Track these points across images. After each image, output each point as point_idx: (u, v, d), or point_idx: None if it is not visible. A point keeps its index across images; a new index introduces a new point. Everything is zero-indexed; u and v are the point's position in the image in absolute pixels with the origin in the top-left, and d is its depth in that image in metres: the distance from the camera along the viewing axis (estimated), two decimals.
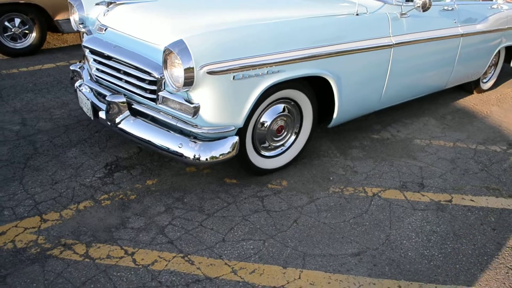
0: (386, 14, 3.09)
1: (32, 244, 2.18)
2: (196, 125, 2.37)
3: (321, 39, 2.65)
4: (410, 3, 3.15)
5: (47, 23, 5.40)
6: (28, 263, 2.06)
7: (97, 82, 2.88)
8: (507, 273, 2.19)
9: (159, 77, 2.35)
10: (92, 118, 2.80)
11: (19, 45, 5.27)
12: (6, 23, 5.13)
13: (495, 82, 5.04)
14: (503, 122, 4.13)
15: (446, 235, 2.43)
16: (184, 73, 2.14)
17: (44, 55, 5.43)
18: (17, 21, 5.20)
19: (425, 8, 3.05)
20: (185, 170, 2.93)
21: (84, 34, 3.16)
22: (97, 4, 2.99)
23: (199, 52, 2.16)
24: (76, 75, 3.20)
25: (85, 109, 2.91)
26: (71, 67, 3.26)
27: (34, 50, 5.39)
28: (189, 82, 2.17)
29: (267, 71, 2.39)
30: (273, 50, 2.40)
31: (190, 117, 2.34)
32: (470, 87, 4.75)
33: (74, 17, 3.34)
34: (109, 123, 2.63)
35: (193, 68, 2.14)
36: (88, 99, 2.79)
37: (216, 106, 2.32)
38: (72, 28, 5.42)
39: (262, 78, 2.39)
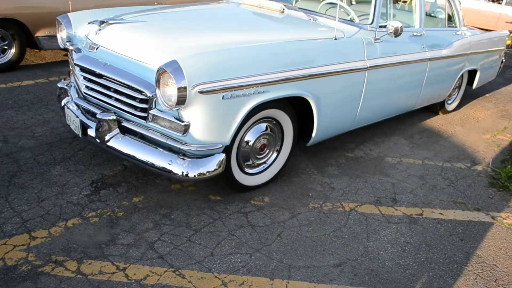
0: (361, 39, 3.32)
1: (22, 261, 2.20)
2: (186, 143, 2.48)
3: (303, 62, 2.83)
4: (384, 29, 3.39)
5: (27, 39, 5.39)
6: (19, 280, 2.08)
7: (85, 99, 2.94)
8: (475, 279, 2.38)
9: (151, 95, 2.45)
10: (80, 135, 2.85)
11: None
12: None
13: (458, 103, 5.38)
14: (467, 141, 4.43)
15: (419, 245, 2.62)
16: (178, 92, 2.26)
17: (23, 72, 5.39)
18: None
19: (397, 34, 3.29)
20: (170, 187, 3.01)
21: (72, 52, 3.21)
22: (90, 23, 3.07)
23: (192, 72, 2.28)
24: (63, 92, 3.24)
25: (72, 127, 2.96)
26: (58, 85, 3.31)
27: (12, 67, 5.34)
28: (181, 100, 2.29)
29: (254, 91, 2.53)
30: (259, 71, 2.56)
31: (180, 134, 2.44)
32: (436, 108, 5.06)
33: (62, 35, 3.41)
34: (98, 141, 2.70)
35: (186, 87, 2.26)
36: (77, 117, 2.85)
37: (205, 124, 2.44)
38: (51, 45, 5.52)
39: (249, 98, 2.53)
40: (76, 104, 3.01)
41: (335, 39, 3.14)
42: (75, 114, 2.89)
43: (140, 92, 2.50)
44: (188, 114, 2.40)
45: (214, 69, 2.39)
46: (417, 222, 2.88)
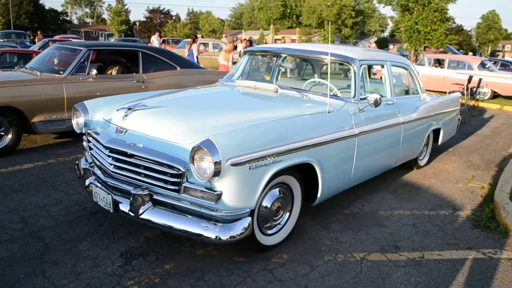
0: (348, 111, 3.86)
1: None
2: (217, 209, 2.80)
3: (307, 133, 3.30)
4: (365, 101, 3.96)
5: (22, 124, 5.62)
6: None
7: (112, 177, 3.22)
8: None
9: (184, 170, 2.80)
10: (111, 211, 3.10)
11: None
12: None
13: (428, 159, 6.01)
14: (444, 191, 4.96)
15: (428, 283, 2.98)
16: (214, 166, 2.62)
17: (19, 156, 5.56)
18: None
19: (377, 104, 3.87)
20: (195, 253, 3.25)
21: (92, 135, 3.51)
22: (118, 109, 3.42)
23: (224, 148, 2.67)
24: (87, 172, 3.51)
25: (102, 203, 3.20)
26: (82, 166, 3.58)
27: (8, 151, 5.52)
28: (217, 172, 2.65)
29: (273, 161, 2.94)
30: (276, 144, 2.98)
31: (213, 203, 2.77)
32: (411, 164, 5.63)
33: (78, 120, 3.75)
34: (132, 214, 2.96)
35: (220, 161, 2.63)
36: (108, 194, 3.11)
37: (235, 192, 2.79)
38: (47, 129, 5.77)
39: (269, 167, 2.93)
40: (102, 182, 3.27)
41: (329, 112, 3.66)
42: (106, 192, 3.15)
43: (173, 167, 2.83)
44: (220, 184, 2.75)
45: (242, 144, 2.79)
46: (421, 263, 3.25)
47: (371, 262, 3.24)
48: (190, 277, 2.93)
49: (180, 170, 2.81)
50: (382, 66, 4.67)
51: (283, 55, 4.69)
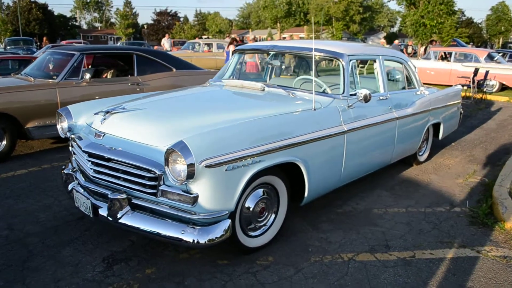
0: (336, 107, 3.75)
1: None
2: (195, 212, 2.73)
3: (290, 132, 3.21)
4: (354, 97, 3.85)
5: (16, 130, 5.62)
6: None
7: (93, 182, 3.18)
8: None
9: (160, 173, 2.73)
10: (91, 216, 3.06)
11: None
12: None
13: (429, 154, 5.86)
14: (443, 187, 4.82)
15: (417, 284, 2.86)
16: (187, 168, 2.55)
17: (14, 162, 5.57)
18: None
19: (366, 100, 3.76)
20: (179, 256, 3.19)
21: (75, 140, 3.47)
22: (95, 113, 3.38)
23: (197, 149, 2.59)
24: (70, 177, 3.47)
25: (82, 208, 3.16)
26: (65, 171, 3.54)
27: (3, 158, 5.53)
28: (190, 175, 2.58)
29: (252, 161, 2.85)
30: (255, 144, 2.89)
31: (189, 205, 2.70)
32: (410, 160, 5.49)
33: (63, 125, 3.71)
34: (110, 219, 2.91)
35: (194, 163, 2.56)
36: (87, 199, 3.07)
37: (212, 194, 2.71)
38: (41, 134, 5.76)
39: (248, 167, 2.84)
40: (83, 187, 3.23)
41: (314, 109, 3.56)
42: (85, 196, 3.11)
43: (149, 171, 2.77)
44: (196, 186, 2.67)
45: (216, 146, 2.71)
46: (411, 263, 3.13)
47: (359, 262, 3.14)
48: (171, 281, 2.86)
49: (156, 173, 2.74)
50: (374, 61, 4.55)
51: (271, 53, 4.60)
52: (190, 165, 2.56)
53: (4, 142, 5.51)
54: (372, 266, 3.09)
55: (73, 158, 3.64)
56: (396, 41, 20.66)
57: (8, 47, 21.00)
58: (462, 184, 4.95)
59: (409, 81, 5.19)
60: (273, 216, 3.35)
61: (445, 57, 14.77)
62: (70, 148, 3.70)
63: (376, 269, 3.05)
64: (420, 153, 5.66)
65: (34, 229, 3.63)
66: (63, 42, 19.87)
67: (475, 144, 6.89)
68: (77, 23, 76.30)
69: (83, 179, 3.29)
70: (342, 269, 3.03)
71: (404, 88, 5.12)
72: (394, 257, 3.22)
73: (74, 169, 3.52)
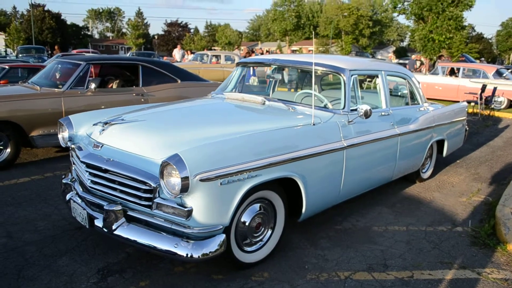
0: (336, 123, 3.73)
1: None
2: (189, 226, 2.71)
3: (288, 147, 3.19)
4: (355, 112, 3.84)
5: (21, 138, 5.67)
6: None
7: (90, 193, 3.18)
8: None
9: (155, 186, 2.73)
10: (87, 226, 3.06)
11: None
12: None
13: (433, 171, 5.79)
14: (445, 206, 4.75)
15: None
16: (181, 182, 2.55)
17: (18, 170, 5.62)
18: None
19: (367, 115, 3.74)
20: (173, 270, 3.16)
21: (75, 150, 3.49)
22: (94, 124, 3.40)
23: (192, 163, 2.59)
24: (68, 187, 3.48)
25: (79, 219, 3.17)
26: (63, 181, 3.56)
27: (7, 165, 5.57)
28: (185, 188, 2.57)
29: (247, 176, 2.84)
30: (251, 158, 2.88)
31: (183, 219, 2.68)
32: (413, 177, 5.43)
33: (64, 135, 3.73)
34: (105, 230, 2.90)
35: (188, 177, 2.55)
36: (83, 209, 3.07)
37: (206, 208, 2.70)
38: (45, 143, 5.81)
39: (243, 182, 2.83)
40: (81, 197, 3.24)
41: (314, 124, 3.54)
42: (82, 207, 3.12)
43: (145, 183, 2.77)
44: (190, 200, 2.66)
45: (212, 159, 2.71)
46: (409, 284, 3.08)
47: (355, 281, 3.09)
48: None
49: (151, 185, 2.74)
50: (377, 76, 4.53)
51: (274, 66, 4.61)
52: (184, 178, 2.55)
53: (8, 150, 5.56)
54: (369, 286, 3.04)
55: (73, 168, 3.66)
56: (414, 56, 20.59)
57: (20, 55, 21.33)
58: (465, 203, 4.88)
59: (412, 96, 5.16)
60: (269, 231, 3.32)
61: (453, 73, 14.71)
62: (70, 158, 3.72)
63: None
64: (424, 170, 5.60)
65: (33, 237, 3.63)
66: (74, 51, 20.15)
67: (480, 162, 6.81)
68: (89, 33, 77.43)
69: (81, 189, 3.29)
70: None
71: (407, 104, 5.09)
72: (392, 277, 3.17)
73: (73, 179, 3.54)
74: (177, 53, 20.10)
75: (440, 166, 6.19)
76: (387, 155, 4.41)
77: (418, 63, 21.28)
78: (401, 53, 58.07)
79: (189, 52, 22.69)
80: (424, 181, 5.59)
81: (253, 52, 13.06)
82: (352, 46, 59.85)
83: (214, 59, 17.67)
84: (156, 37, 67.45)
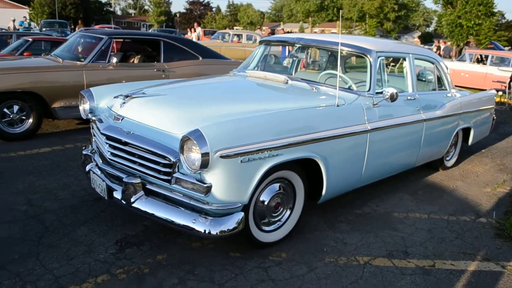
0: (361, 105, 3.62)
1: None
2: (208, 202, 2.68)
3: (310, 127, 3.11)
4: (380, 95, 3.71)
5: (43, 110, 5.72)
6: None
7: (110, 165, 3.17)
8: None
9: (175, 160, 2.69)
10: (106, 198, 3.06)
11: (17, 130, 5.54)
12: (5, 110, 5.44)
13: (457, 159, 5.63)
14: (468, 195, 4.62)
15: None
16: (201, 157, 2.50)
17: (39, 140, 5.68)
18: (16, 108, 5.52)
19: (393, 99, 3.61)
20: (191, 245, 3.16)
21: (96, 122, 3.48)
22: (115, 97, 3.38)
23: (213, 139, 2.54)
24: (88, 158, 3.49)
25: (98, 190, 3.17)
26: (83, 152, 3.56)
27: (29, 135, 5.64)
28: (205, 164, 2.52)
29: (268, 155, 2.78)
30: (273, 137, 2.81)
31: (202, 195, 2.65)
32: (436, 164, 5.29)
33: (85, 107, 3.72)
34: (124, 202, 2.89)
35: (208, 153, 2.50)
36: (103, 181, 3.07)
37: (225, 185, 2.65)
38: (67, 115, 5.85)
39: (264, 161, 2.77)
40: (101, 169, 3.23)
41: (338, 105, 3.44)
42: (101, 178, 3.11)
43: (164, 157, 2.73)
44: (210, 176, 2.62)
45: (233, 136, 2.65)
46: (430, 273, 3.00)
47: (375, 267, 3.03)
48: (181, 269, 2.84)
49: (171, 160, 2.71)
50: (404, 59, 4.37)
51: (297, 45, 4.48)
52: (205, 154, 2.50)
53: (31, 120, 5.64)
54: (389, 272, 2.97)
55: (93, 139, 3.66)
56: (436, 42, 19.97)
57: (44, 29, 21.50)
58: (489, 194, 4.73)
59: (440, 82, 4.98)
60: (288, 212, 3.27)
61: (481, 60, 14.23)
62: (91, 129, 3.72)
63: (392, 275, 2.94)
64: (448, 158, 5.44)
65: (52, 206, 3.67)
66: (96, 27, 20.19)
67: (506, 153, 6.59)
68: (111, 9, 77.50)
69: (101, 161, 3.29)
70: (356, 273, 2.93)
71: (434, 89, 4.92)
72: (412, 265, 3.10)
73: (93, 151, 3.53)
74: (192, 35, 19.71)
75: (464, 155, 6.01)
76: (411, 141, 4.28)
77: (434, 48, 20.65)
78: (426, 38, 56.50)
79: (202, 31, 22.23)
80: (447, 169, 5.44)
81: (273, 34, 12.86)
82: (376, 29, 58.44)
83: (235, 38, 17.48)
84: (178, 15, 67.14)
